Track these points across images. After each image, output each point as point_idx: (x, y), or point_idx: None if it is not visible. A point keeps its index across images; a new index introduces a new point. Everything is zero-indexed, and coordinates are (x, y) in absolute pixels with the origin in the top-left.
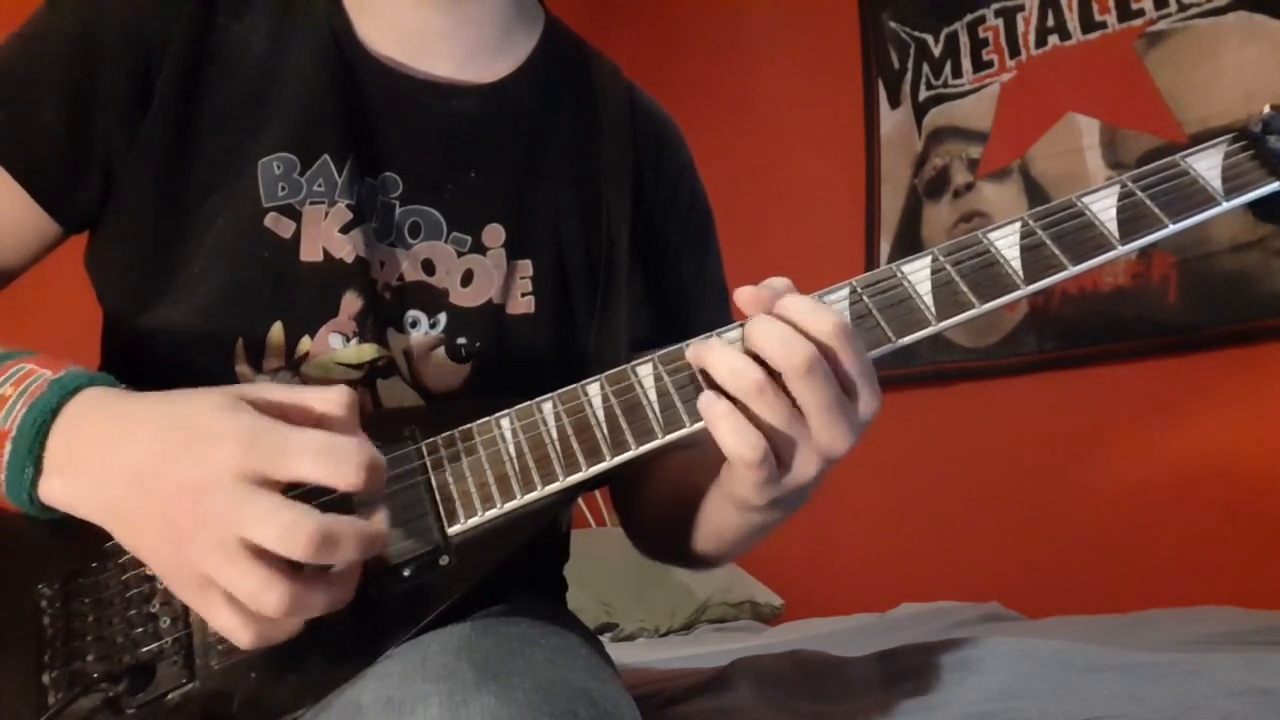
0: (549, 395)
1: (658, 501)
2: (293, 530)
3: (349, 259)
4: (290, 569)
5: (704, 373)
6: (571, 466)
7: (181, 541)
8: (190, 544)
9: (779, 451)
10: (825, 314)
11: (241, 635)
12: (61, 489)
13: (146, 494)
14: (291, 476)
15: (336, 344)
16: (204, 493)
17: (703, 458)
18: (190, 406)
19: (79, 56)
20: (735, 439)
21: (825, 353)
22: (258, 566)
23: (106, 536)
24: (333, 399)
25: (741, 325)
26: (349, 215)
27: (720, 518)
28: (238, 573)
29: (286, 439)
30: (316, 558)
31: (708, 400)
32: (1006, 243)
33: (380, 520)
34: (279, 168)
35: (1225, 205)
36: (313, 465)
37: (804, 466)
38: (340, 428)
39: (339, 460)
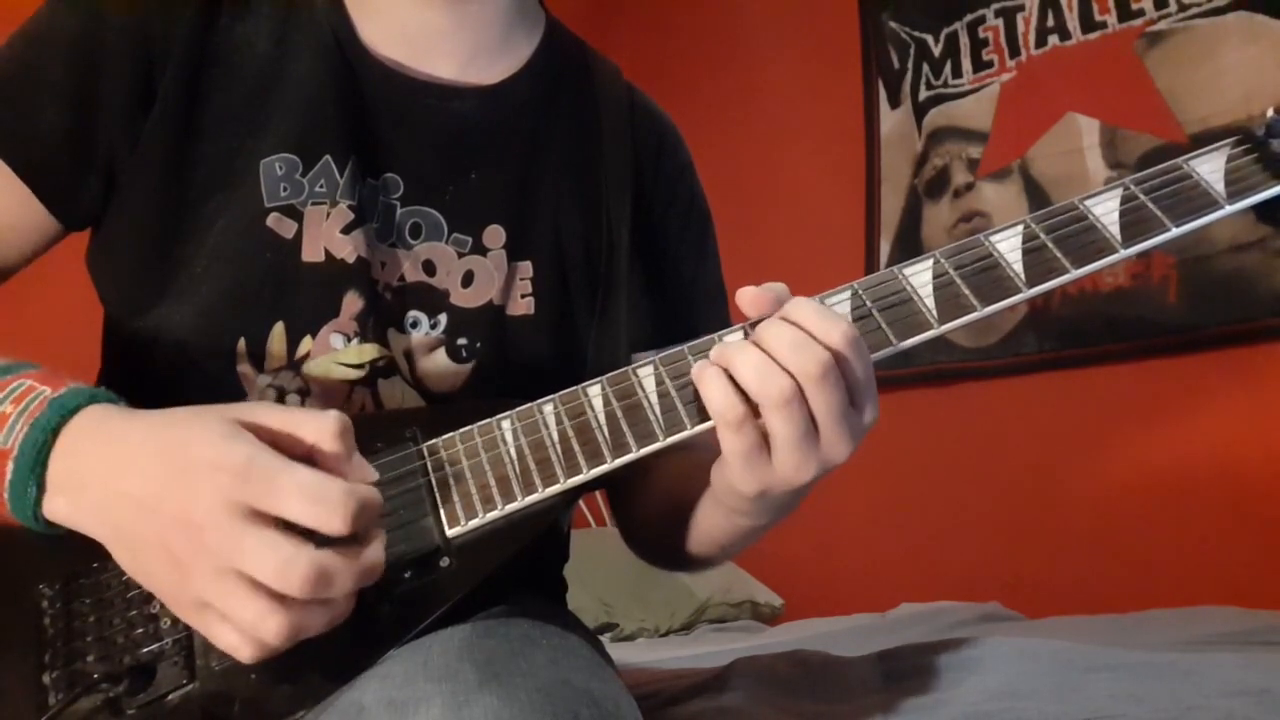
0: (550, 397)
1: (653, 505)
2: (287, 569)
3: (350, 259)
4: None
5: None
6: (572, 468)
7: (180, 568)
8: (189, 572)
9: (785, 457)
10: (837, 322)
11: (243, 651)
12: (65, 508)
13: (145, 522)
14: (280, 515)
15: (338, 344)
16: (199, 526)
17: (699, 462)
18: (189, 433)
19: (82, 57)
20: (718, 395)
21: (837, 360)
22: (255, 597)
23: None
24: (324, 429)
25: (742, 327)
26: (350, 216)
27: (711, 521)
28: (236, 603)
29: (278, 478)
30: (312, 594)
31: (698, 367)
32: (1008, 245)
33: (376, 549)
34: (281, 168)
35: (1228, 209)
36: (300, 508)
37: (802, 473)
38: (331, 461)
39: (326, 506)
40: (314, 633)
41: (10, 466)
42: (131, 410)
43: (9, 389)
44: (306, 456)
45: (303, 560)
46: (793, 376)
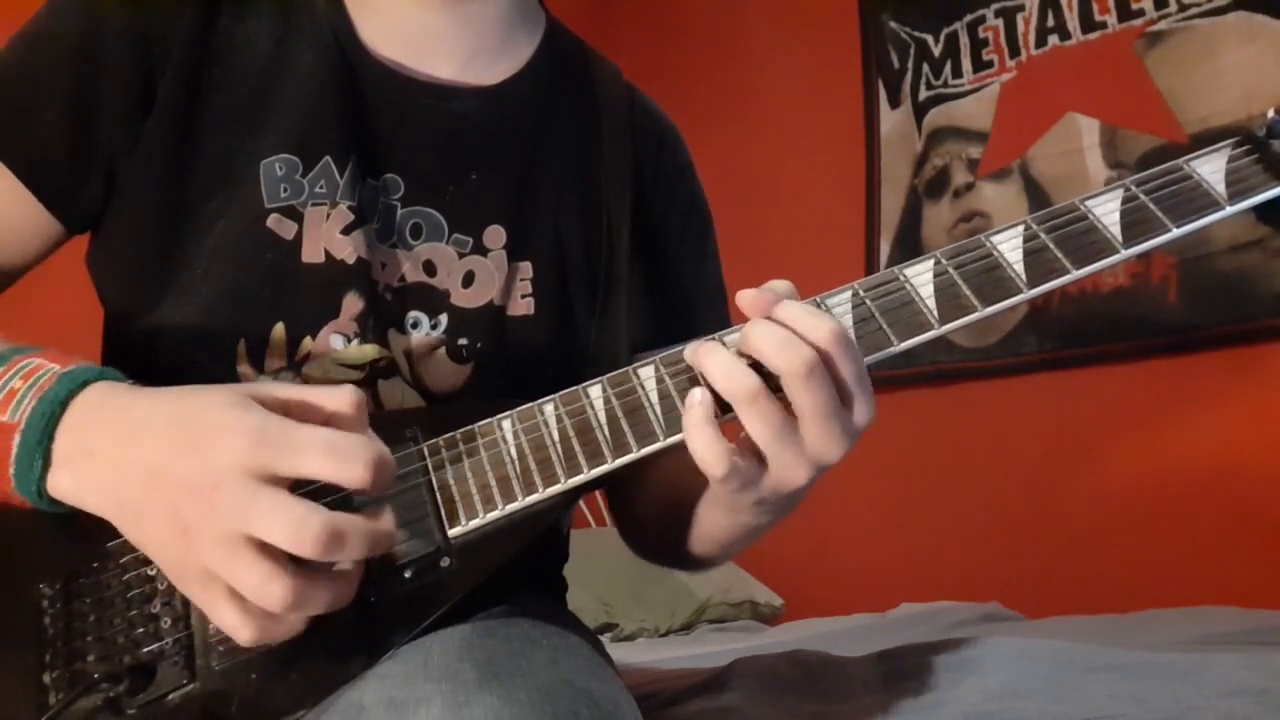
0: (550, 397)
1: (652, 504)
2: (301, 526)
3: (350, 260)
4: (294, 565)
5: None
6: (573, 468)
7: (187, 537)
8: (196, 539)
9: (769, 457)
10: (824, 320)
11: (243, 631)
12: (70, 482)
13: (154, 490)
14: (299, 472)
15: (338, 344)
16: (211, 489)
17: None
18: (200, 402)
19: (82, 58)
20: (704, 451)
21: (824, 358)
22: (262, 561)
23: (108, 536)
24: (342, 398)
25: (743, 327)
26: (350, 216)
27: (711, 521)
28: (242, 567)
29: (295, 435)
30: (324, 554)
31: (691, 401)
32: (1009, 246)
33: (387, 519)
34: (281, 169)
35: (1229, 209)
36: (321, 461)
37: (794, 473)
38: (349, 427)
39: (347, 457)
40: (317, 609)
41: (17, 439)
42: (140, 387)
43: (17, 366)
44: (324, 425)
45: (316, 518)
46: (763, 376)
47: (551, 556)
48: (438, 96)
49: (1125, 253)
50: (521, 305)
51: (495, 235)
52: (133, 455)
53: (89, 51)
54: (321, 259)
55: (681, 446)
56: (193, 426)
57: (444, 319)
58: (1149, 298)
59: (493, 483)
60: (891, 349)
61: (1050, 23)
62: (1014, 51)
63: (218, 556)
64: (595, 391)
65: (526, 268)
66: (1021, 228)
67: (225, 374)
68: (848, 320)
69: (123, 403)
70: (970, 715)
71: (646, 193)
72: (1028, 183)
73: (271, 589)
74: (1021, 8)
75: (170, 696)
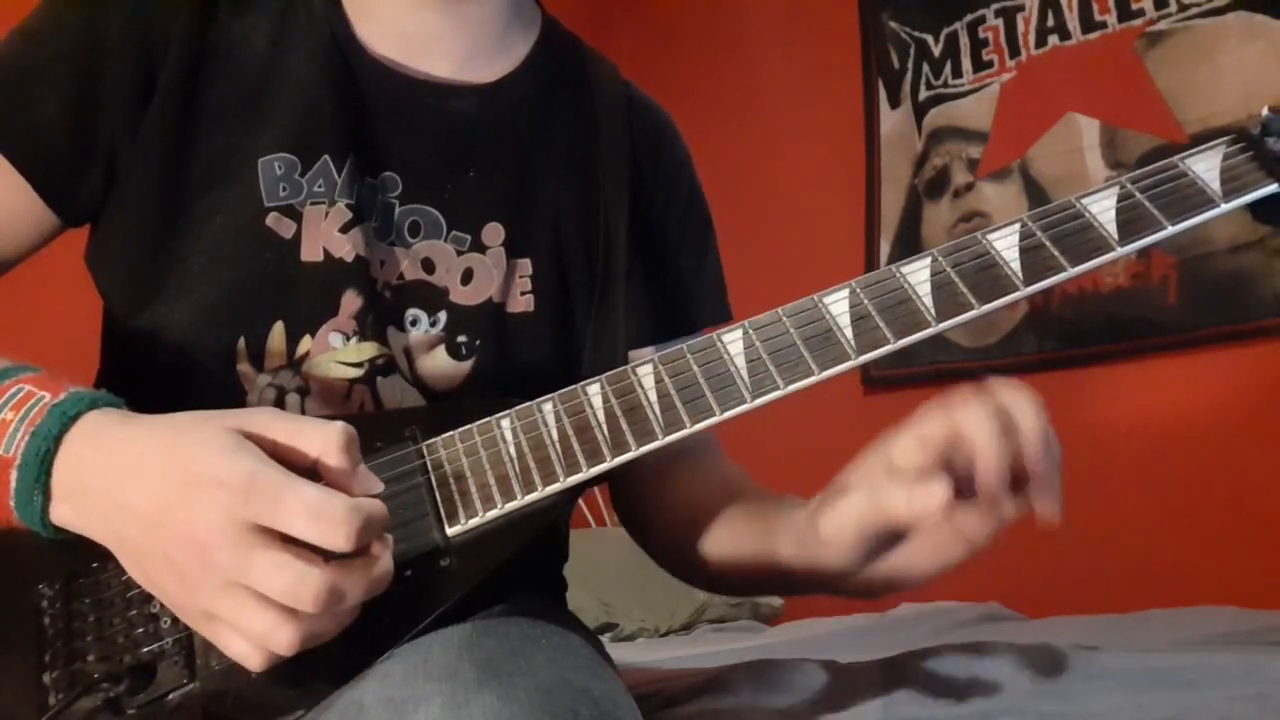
0: (549, 396)
1: (683, 524)
2: (298, 587)
3: (349, 258)
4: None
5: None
6: (572, 467)
7: (186, 582)
8: (195, 586)
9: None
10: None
11: (252, 660)
12: (73, 515)
13: (149, 536)
14: (284, 530)
15: (337, 343)
16: (205, 546)
17: (732, 478)
18: (191, 445)
19: (83, 50)
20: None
21: None
22: (265, 610)
23: None
24: (329, 442)
25: (742, 325)
26: (349, 215)
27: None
28: (245, 616)
29: (281, 496)
30: (324, 611)
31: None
32: (1006, 244)
33: (385, 560)
34: (280, 168)
35: (1224, 207)
36: (304, 525)
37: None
38: (336, 475)
39: (330, 524)
40: (325, 640)
41: (14, 475)
42: (133, 416)
43: (7, 394)
44: (311, 468)
45: (314, 579)
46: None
47: (551, 556)
48: (435, 95)
49: (1121, 250)
50: (521, 302)
51: (494, 232)
52: (126, 501)
53: (90, 44)
54: (320, 257)
55: (688, 445)
56: (182, 476)
57: (443, 316)
58: (1149, 297)
59: (492, 482)
60: (889, 347)
61: (1050, 23)
62: (1014, 51)
63: (221, 605)
64: (594, 390)
65: (526, 264)
66: (1018, 226)
67: (224, 372)
68: (845, 319)
69: (116, 438)
70: (970, 716)
71: (645, 189)
72: (1028, 183)
73: (278, 637)
74: (1021, 8)
75: (170, 696)
